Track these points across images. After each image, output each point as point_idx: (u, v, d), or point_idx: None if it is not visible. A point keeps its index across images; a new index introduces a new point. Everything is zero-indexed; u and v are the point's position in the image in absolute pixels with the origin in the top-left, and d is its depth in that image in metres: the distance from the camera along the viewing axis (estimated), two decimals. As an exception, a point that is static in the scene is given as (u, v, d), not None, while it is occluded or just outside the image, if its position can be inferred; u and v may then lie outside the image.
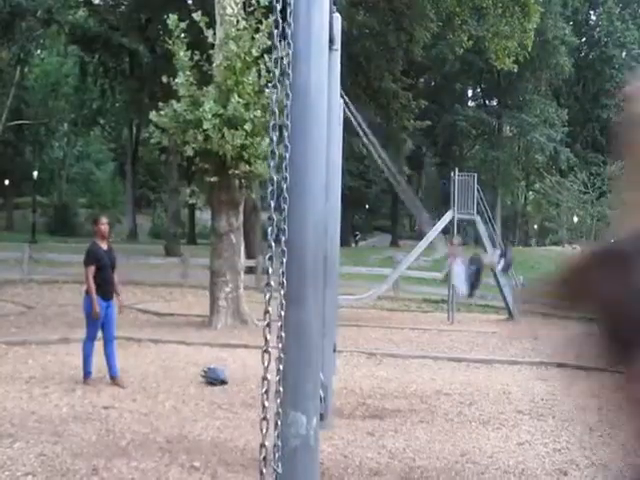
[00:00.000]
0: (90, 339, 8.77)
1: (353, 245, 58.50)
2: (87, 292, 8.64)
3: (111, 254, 8.94)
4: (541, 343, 14.45)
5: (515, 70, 33.28)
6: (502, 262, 9.44)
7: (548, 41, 49.37)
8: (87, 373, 8.70)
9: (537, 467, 6.15)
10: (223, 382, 8.90)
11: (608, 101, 56.72)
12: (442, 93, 56.90)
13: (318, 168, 2.70)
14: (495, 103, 60.36)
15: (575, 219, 28.68)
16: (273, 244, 2.45)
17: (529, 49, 31.49)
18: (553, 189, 29.76)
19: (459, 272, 9.10)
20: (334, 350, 7.58)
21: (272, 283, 2.45)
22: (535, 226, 71.36)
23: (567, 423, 7.71)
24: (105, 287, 8.71)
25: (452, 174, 18.46)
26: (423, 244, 19.20)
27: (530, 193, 63.36)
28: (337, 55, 6.57)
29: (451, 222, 18.27)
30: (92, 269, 8.60)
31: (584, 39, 61.19)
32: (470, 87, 64.21)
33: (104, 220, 9.04)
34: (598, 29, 60.16)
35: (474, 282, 9.20)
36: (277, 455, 2.53)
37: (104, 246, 8.87)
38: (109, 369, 8.79)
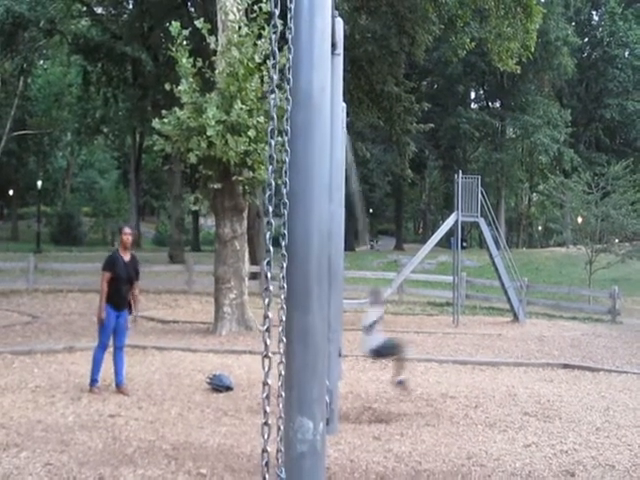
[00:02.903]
0: (101, 347, 8.78)
1: (370, 248, 58.80)
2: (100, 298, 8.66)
3: (132, 265, 8.88)
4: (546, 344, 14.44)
5: (518, 71, 33.25)
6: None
7: (551, 42, 49.39)
8: (93, 381, 8.70)
9: (544, 469, 6.13)
10: (228, 388, 8.90)
11: (611, 101, 56.72)
12: (445, 95, 56.98)
13: (322, 172, 2.69)
14: (498, 105, 60.46)
15: (579, 220, 28.56)
16: (271, 249, 2.45)
17: (532, 50, 31.43)
18: (557, 190, 29.64)
19: (376, 336, 8.93)
20: (340, 355, 7.57)
21: (271, 288, 2.45)
22: (539, 227, 71.32)
23: (574, 424, 7.69)
24: (117, 298, 8.68)
25: (456, 177, 18.44)
26: (428, 247, 19.18)
27: (534, 194, 63.33)
28: (340, 59, 6.58)
29: (455, 224, 18.26)
30: (107, 275, 8.61)
31: (586, 39, 61.18)
32: (473, 89, 64.25)
33: (127, 230, 8.96)
34: (600, 29, 60.16)
35: (380, 355, 9.10)
36: (280, 460, 2.53)
37: (126, 257, 8.82)
38: (115, 377, 8.79)
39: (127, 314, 8.95)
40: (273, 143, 2.48)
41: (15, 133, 49.48)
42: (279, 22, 2.49)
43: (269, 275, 2.44)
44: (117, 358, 8.82)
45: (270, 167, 2.47)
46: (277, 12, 2.46)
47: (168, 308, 18.77)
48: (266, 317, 2.44)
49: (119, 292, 8.71)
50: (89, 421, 7.29)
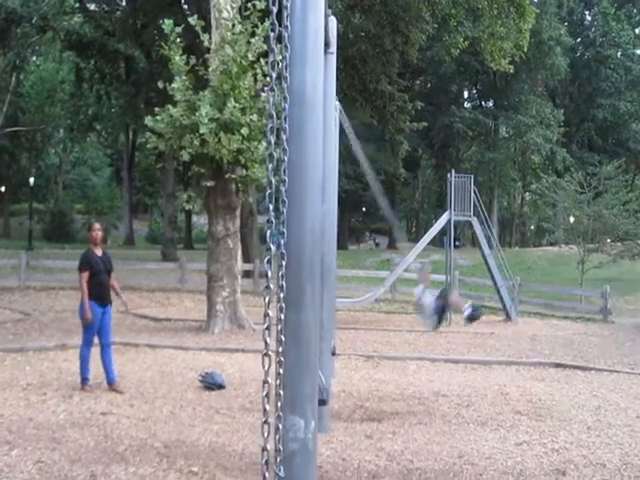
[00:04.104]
0: (86, 345, 8.76)
1: (376, 246, 58.71)
2: (82, 299, 8.65)
3: (106, 259, 8.94)
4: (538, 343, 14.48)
5: (511, 71, 33.37)
6: (469, 311, 9.88)
7: (544, 42, 49.52)
8: (84, 379, 8.68)
9: (535, 467, 6.14)
10: (221, 387, 8.89)
11: (604, 101, 56.88)
12: (438, 95, 57.02)
13: (315, 171, 2.70)
14: (491, 104, 60.54)
15: (572, 219, 28.63)
16: (273, 247, 2.46)
17: (525, 50, 31.55)
18: (549, 189, 29.71)
19: (428, 303, 9.39)
20: (333, 353, 7.57)
21: (271, 286, 2.45)
22: (532, 227, 71.48)
23: (565, 423, 7.72)
24: (101, 292, 8.70)
25: (449, 175, 18.47)
26: (420, 246, 19.20)
27: (527, 194, 63.47)
28: (333, 58, 6.58)
29: (448, 223, 18.28)
30: (85, 275, 8.62)
31: (579, 39, 61.41)
32: (466, 88, 64.35)
33: (96, 226, 9.05)
34: (593, 29, 60.40)
35: (440, 317, 9.54)
36: (278, 459, 2.53)
37: (98, 252, 8.87)
38: (106, 375, 8.78)
39: (111, 309, 8.96)
40: (273, 141, 2.48)
41: (7, 129, 49.28)
42: (276, 20, 2.50)
43: (269, 273, 2.45)
44: (105, 356, 8.80)
45: (270, 165, 2.47)
46: (275, 10, 2.46)
47: (161, 306, 18.75)
48: (266, 315, 2.44)
49: (102, 285, 8.73)
50: (81, 419, 7.27)
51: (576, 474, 6.01)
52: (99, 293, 8.67)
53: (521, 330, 16.76)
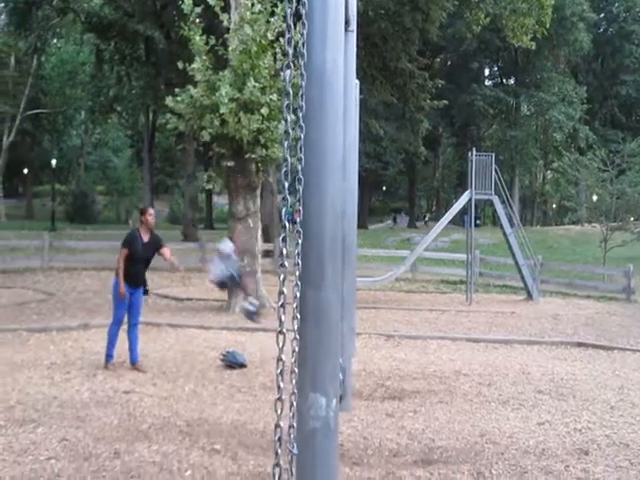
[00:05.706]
0: (116, 323, 8.84)
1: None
2: (117, 274, 8.69)
3: (152, 242, 8.89)
4: (560, 322, 14.41)
5: (533, 48, 33.01)
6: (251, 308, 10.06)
7: (566, 17, 48.84)
8: (108, 356, 8.77)
9: (558, 447, 6.13)
10: (242, 365, 8.94)
11: (627, 77, 56.09)
12: (459, 72, 56.51)
13: (335, 149, 2.68)
14: (513, 82, 59.93)
15: (594, 197, 28.29)
16: (288, 225, 2.45)
17: (547, 26, 31.18)
18: (572, 167, 29.37)
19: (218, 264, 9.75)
20: (353, 333, 7.58)
21: (286, 264, 2.45)
22: (554, 205, 70.92)
23: (588, 402, 7.69)
24: (133, 276, 8.72)
25: (469, 154, 18.34)
26: (441, 225, 19.13)
27: (548, 172, 62.90)
28: (353, 36, 6.51)
29: (469, 202, 18.18)
30: (124, 251, 8.65)
31: (603, 14, 60.45)
32: (487, 66, 63.72)
33: (151, 211, 9.03)
34: (617, 4, 59.40)
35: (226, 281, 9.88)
36: (292, 436, 2.53)
37: (145, 237, 8.84)
38: (130, 354, 8.86)
39: (142, 291, 9.02)
40: (289, 119, 2.47)
41: (29, 112, 49.59)
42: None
43: (284, 251, 2.44)
44: (131, 335, 8.89)
45: (286, 143, 2.46)
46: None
47: (182, 286, 18.86)
48: (281, 293, 2.44)
49: (135, 271, 8.74)
50: (104, 397, 7.35)
51: (599, 454, 5.98)
52: (131, 276, 8.69)
53: (543, 309, 16.69)
